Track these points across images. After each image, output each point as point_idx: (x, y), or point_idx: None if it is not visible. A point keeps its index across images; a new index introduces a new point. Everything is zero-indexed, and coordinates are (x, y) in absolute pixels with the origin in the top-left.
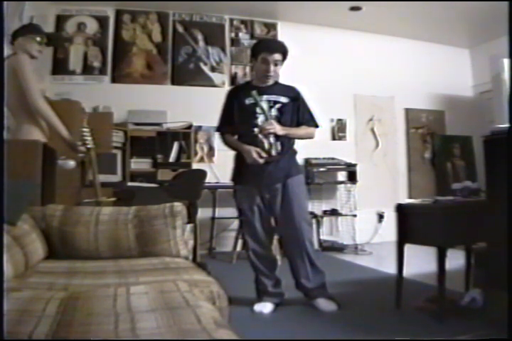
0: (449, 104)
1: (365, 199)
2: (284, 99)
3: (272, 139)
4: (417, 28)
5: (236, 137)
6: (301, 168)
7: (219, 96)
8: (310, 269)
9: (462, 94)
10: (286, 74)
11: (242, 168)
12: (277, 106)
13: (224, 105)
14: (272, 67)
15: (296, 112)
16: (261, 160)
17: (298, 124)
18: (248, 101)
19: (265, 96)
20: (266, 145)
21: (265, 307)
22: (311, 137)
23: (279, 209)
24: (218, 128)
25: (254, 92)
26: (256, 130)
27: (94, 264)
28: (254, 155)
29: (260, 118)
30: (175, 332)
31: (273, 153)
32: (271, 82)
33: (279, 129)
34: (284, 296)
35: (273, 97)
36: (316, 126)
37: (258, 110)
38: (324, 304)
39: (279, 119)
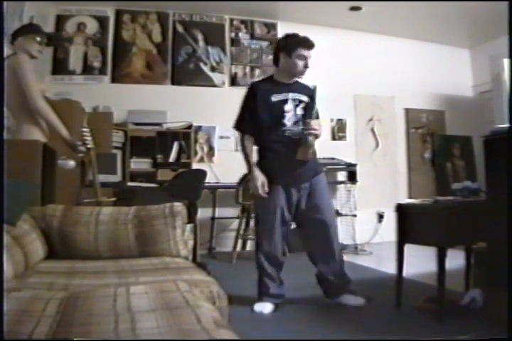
0: (449, 104)
1: (365, 199)
2: (305, 98)
3: (311, 139)
4: (416, 28)
5: (251, 144)
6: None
7: (219, 97)
8: (339, 266)
9: (462, 94)
10: None
11: (268, 167)
12: (302, 105)
13: (245, 100)
14: (307, 65)
15: (312, 108)
16: (264, 196)
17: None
18: (275, 98)
19: (291, 94)
20: (311, 146)
21: (265, 307)
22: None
23: (305, 209)
24: (237, 125)
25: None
26: (285, 130)
27: (94, 264)
28: (260, 190)
29: (288, 118)
30: (175, 332)
31: (314, 154)
32: (294, 79)
33: (321, 131)
34: (284, 297)
35: (297, 96)
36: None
37: (286, 108)
38: (352, 299)
39: (302, 118)
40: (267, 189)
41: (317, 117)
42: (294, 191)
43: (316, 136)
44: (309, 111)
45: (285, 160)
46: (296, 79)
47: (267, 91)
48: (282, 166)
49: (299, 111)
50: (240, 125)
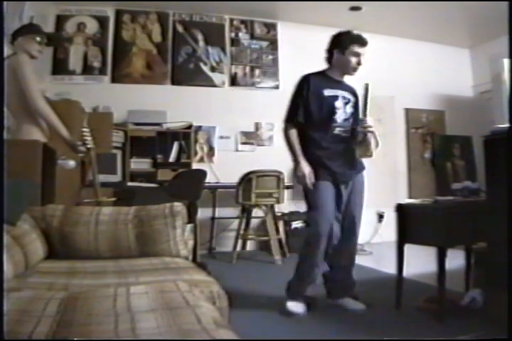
0: (449, 104)
1: (365, 199)
2: (352, 98)
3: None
4: (417, 28)
5: (296, 135)
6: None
7: (219, 97)
8: (350, 268)
9: (462, 94)
10: (286, 73)
11: (316, 164)
12: (351, 103)
13: (296, 92)
14: (361, 62)
15: (364, 110)
16: (310, 186)
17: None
18: (328, 92)
19: (341, 92)
20: (369, 144)
21: (298, 307)
22: None
23: (344, 206)
24: (289, 118)
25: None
26: (335, 127)
27: (94, 264)
28: (308, 179)
29: (338, 114)
30: (175, 332)
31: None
32: (344, 77)
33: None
34: (316, 299)
35: (346, 94)
36: None
37: (337, 104)
38: (352, 303)
39: (352, 117)
40: (313, 180)
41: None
42: (343, 188)
43: (373, 134)
44: (361, 109)
45: (333, 157)
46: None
47: (320, 84)
48: (331, 163)
49: (349, 109)
50: (292, 117)
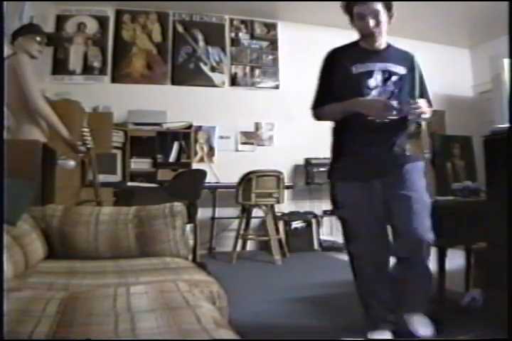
0: (449, 104)
1: None
2: (401, 70)
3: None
4: (417, 28)
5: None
6: (421, 155)
7: (219, 97)
8: (419, 280)
9: (462, 94)
10: (286, 73)
11: (345, 162)
12: (394, 78)
13: (320, 73)
14: (372, 22)
15: (413, 87)
16: (391, 113)
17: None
18: (356, 69)
19: (378, 65)
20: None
21: (384, 335)
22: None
23: (394, 208)
24: (314, 107)
25: None
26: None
27: (94, 264)
28: (381, 104)
29: (375, 95)
30: (175, 332)
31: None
32: (383, 44)
33: (428, 111)
34: (399, 324)
35: (389, 66)
36: (431, 105)
37: (371, 83)
38: (417, 323)
39: (397, 97)
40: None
41: (428, 95)
42: (379, 186)
43: (424, 119)
44: (408, 86)
45: (368, 150)
46: (389, 43)
47: (348, 60)
48: (363, 158)
49: (391, 86)
50: (317, 105)
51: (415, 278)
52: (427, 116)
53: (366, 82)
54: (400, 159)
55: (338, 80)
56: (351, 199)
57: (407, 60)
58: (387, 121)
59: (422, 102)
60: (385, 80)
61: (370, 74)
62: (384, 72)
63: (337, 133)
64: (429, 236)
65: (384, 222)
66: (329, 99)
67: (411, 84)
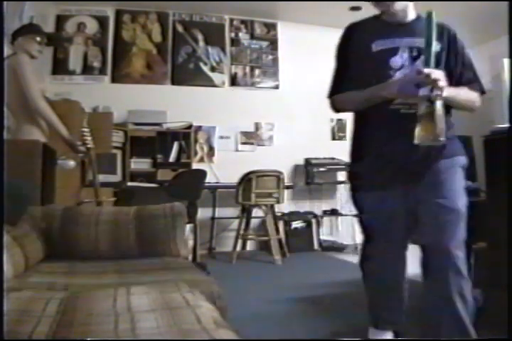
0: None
1: None
2: (433, 46)
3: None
4: None
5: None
6: (461, 148)
7: (219, 96)
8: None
9: None
10: (286, 73)
11: (363, 155)
12: (423, 57)
13: (337, 56)
14: None
15: (450, 66)
16: (417, 91)
17: (454, 85)
18: (376, 46)
19: (405, 40)
20: (438, 117)
21: (385, 335)
22: (472, 108)
23: (421, 218)
24: (330, 93)
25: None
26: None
27: (94, 264)
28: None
29: (398, 76)
30: (175, 332)
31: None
32: (410, 14)
33: (446, 85)
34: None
35: (418, 42)
36: (482, 90)
37: (393, 62)
38: None
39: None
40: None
41: (474, 74)
42: (406, 191)
43: (440, 94)
44: (443, 63)
45: (392, 148)
46: (419, 14)
47: (367, 36)
48: (387, 159)
49: (420, 65)
50: (334, 92)
51: (445, 305)
52: (442, 85)
53: (389, 61)
54: (431, 155)
55: (355, 61)
56: (374, 208)
57: (442, 33)
58: (413, 109)
59: (437, 73)
60: (414, 59)
61: (394, 51)
62: (412, 48)
63: (355, 130)
64: (460, 253)
65: (408, 234)
66: (348, 85)
67: (450, 63)
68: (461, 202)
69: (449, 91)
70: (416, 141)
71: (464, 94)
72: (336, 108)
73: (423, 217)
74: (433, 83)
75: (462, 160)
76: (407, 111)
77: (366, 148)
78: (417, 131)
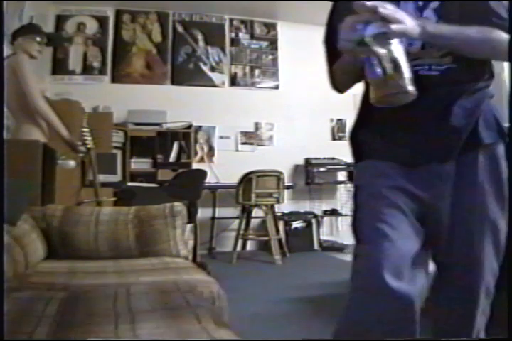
0: None
1: None
2: None
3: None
4: None
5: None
6: (502, 129)
7: (219, 97)
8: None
9: None
10: (286, 73)
11: (375, 134)
12: (433, 4)
13: (328, 19)
14: None
15: (472, 15)
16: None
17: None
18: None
19: None
20: (379, 65)
21: None
22: (496, 51)
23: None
24: (328, 69)
25: None
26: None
27: (94, 264)
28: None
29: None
30: (175, 332)
31: (404, 85)
32: None
33: (415, 24)
34: None
35: None
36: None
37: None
38: None
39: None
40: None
41: (498, 10)
42: (424, 176)
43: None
44: (457, 11)
45: (407, 118)
46: None
47: None
48: (402, 130)
49: (431, 17)
50: (329, 68)
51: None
52: (396, 19)
53: None
54: (458, 143)
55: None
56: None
57: None
58: (436, 70)
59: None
60: (421, 10)
61: (394, 2)
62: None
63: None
64: (491, 288)
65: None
66: (332, 56)
67: (460, 8)
68: (499, 212)
69: (438, 28)
70: (372, 101)
71: (473, 32)
72: (334, 84)
73: (441, 232)
74: (384, 20)
75: (500, 149)
76: (427, 72)
77: (371, 148)
78: (371, 88)
